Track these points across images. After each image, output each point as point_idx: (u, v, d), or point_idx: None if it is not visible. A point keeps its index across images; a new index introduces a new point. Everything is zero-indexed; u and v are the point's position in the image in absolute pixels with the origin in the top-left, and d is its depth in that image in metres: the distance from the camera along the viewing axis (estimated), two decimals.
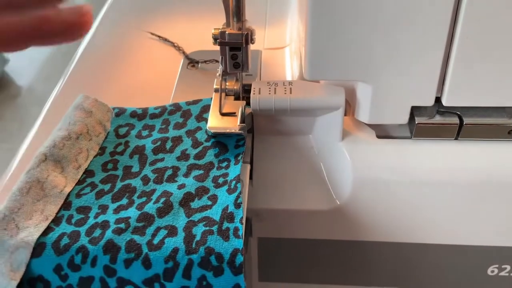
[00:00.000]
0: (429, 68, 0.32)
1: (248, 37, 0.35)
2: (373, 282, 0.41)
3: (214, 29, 0.36)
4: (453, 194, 0.35)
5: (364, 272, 0.40)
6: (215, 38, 0.36)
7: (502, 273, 0.39)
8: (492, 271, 0.39)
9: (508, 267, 0.38)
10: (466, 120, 0.34)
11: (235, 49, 0.36)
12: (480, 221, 0.36)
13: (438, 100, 0.34)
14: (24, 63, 0.88)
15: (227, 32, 0.35)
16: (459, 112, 0.35)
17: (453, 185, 0.35)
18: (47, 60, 0.87)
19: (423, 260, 0.39)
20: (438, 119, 0.35)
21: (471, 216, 0.36)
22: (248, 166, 0.34)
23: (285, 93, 0.35)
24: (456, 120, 0.34)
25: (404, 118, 0.35)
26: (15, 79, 0.83)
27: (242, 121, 0.36)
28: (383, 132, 0.37)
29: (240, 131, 0.34)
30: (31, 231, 0.29)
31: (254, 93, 0.35)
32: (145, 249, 0.28)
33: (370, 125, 0.37)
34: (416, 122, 0.34)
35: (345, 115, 0.37)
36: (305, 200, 0.37)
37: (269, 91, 0.35)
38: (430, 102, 0.34)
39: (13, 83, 0.82)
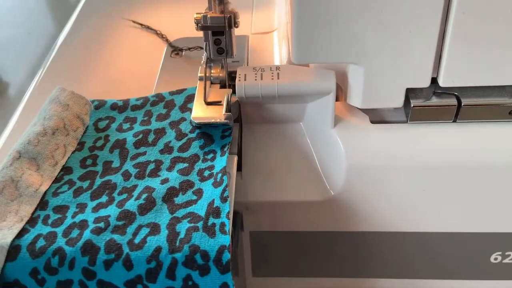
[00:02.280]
0: (424, 47, 0.30)
1: (231, 20, 0.33)
2: (372, 273, 0.39)
3: (197, 13, 0.34)
4: (453, 179, 0.33)
5: (362, 263, 0.39)
6: (197, 23, 0.34)
7: (506, 260, 0.37)
8: (496, 259, 0.37)
9: None
10: (465, 101, 0.32)
11: (218, 34, 0.34)
12: (481, 206, 0.35)
13: (434, 81, 0.33)
14: (10, 58, 0.86)
15: (208, 16, 0.33)
16: (456, 93, 0.33)
17: (453, 170, 0.33)
18: (35, 55, 0.85)
19: (423, 249, 0.37)
20: (434, 101, 0.33)
21: (472, 202, 0.34)
22: (235, 157, 0.33)
23: (272, 79, 0.33)
24: (454, 101, 0.32)
25: (399, 101, 0.33)
26: (1, 75, 0.80)
27: (228, 110, 0.34)
28: (377, 117, 0.35)
29: (226, 121, 0.32)
30: (5, 234, 0.27)
31: (239, 80, 0.33)
32: (126, 249, 0.27)
33: (363, 110, 0.35)
34: (412, 105, 0.32)
35: (336, 100, 0.35)
36: (298, 191, 0.35)
37: (255, 77, 0.33)
38: (426, 83, 0.32)
39: (0, 79, 0.79)
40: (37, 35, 0.90)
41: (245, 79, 0.33)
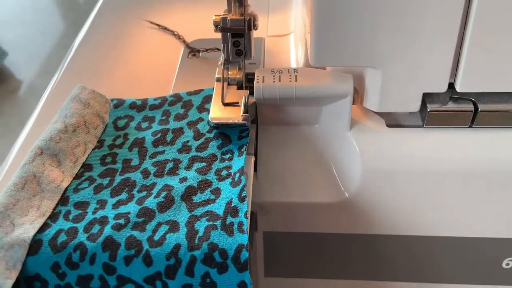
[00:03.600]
0: (442, 52, 0.31)
1: (250, 23, 0.34)
2: (384, 277, 0.39)
3: (215, 15, 0.35)
4: (468, 185, 0.34)
5: (374, 266, 0.39)
6: (216, 25, 0.35)
7: None
8: (507, 264, 0.37)
9: None
10: (481, 107, 0.32)
11: (237, 36, 0.34)
12: (495, 212, 0.35)
13: (451, 86, 0.33)
14: (24, 56, 0.87)
15: (228, 18, 0.34)
16: (473, 98, 0.33)
17: (468, 175, 0.33)
18: (47, 54, 0.86)
19: (435, 253, 0.37)
20: (451, 106, 0.33)
21: (486, 207, 0.34)
22: (252, 158, 0.33)
23: (290, 81, 0.33)
24: (470, 106, 0.33)
25: (416, 106, 0.33)
26: (15, 73, 0.81)
27: (246, 111, 0.34)
28: (393, 120, 0.35)
29: (244, 122, 0.33)
30: (26, 228, 0.28)
31: (257, 81, 0.33)
32: (145, 246, 0.27)
33: (379, 114, 0.35)
34: (428, 110, 0.33)
35: (353, 103, 0.35)
36: (312, 192, 0.36)
37: (274, 79, 0.34)
38: (443, 88, 0.32)
39: (12, 77, 0.80)
40: (49, 34, 0.92)
41: (263, 81, 0.33)
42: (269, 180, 0.36)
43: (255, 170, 0.36)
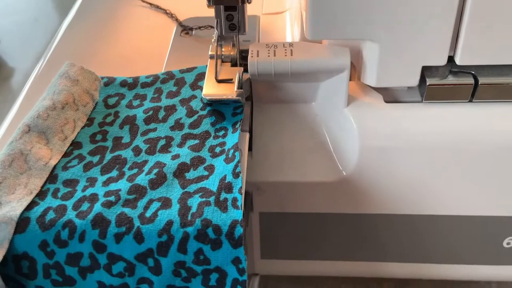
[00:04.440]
0: (442, 24, 0.30)
1: None
2: (382, 257, 0.39)
3: None
4: (468, 160, 0.33)
5: (372, 247, 0.38)
6: None
7: None
8: (508, 243, 0.37)
9: None
10: (482, 80, 0.32)
11: (230, 9, 0.33)
12: (496, 189, 0.34)
13: (451, 60, 0.32)
14: (17, 43, 0.85)
15: None
16: (473, 71, 0.32)
17: (468, 151, 0.32)
18: (40, 41, 0.85)
19: (434, 233, 0.37)
20: (451, 79, 0.32)
21: (486, 184, 0.34)
22: (247, 135, 0.32)
23: (286, 55, 0.32)
24: (470, 80, 0.32)
25: (415, 80, 0.32)
26: (7, 60, 0.80)
27: (240, 87, 0.33)
28: (391, 97, 0.34)
29: (238, 98, 0.32)
30: (13, 206, 0.27)
31: (252, 56, 0.33)
32: (137, 223, 0.26)
33: (377, 90, 0.34)
34: (428, 83, 0.32)
35: (350, 80, 0.34)
36: (309, 171, 0.35)
37: (268, 53, 0.33)
38: (442, 61, 0.31)
39: (5, 64, 0.79)
40: (43, 21, 0.90)
41: (258, 56, 0.32)
42: (265, 159, 0.35)
43: (250, 149, 0.35)
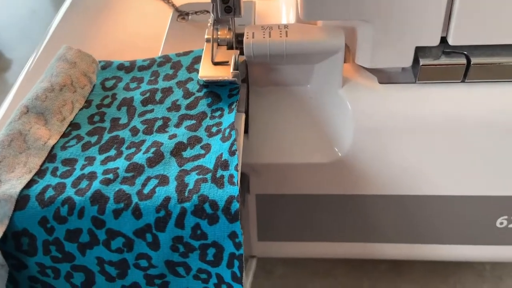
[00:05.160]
0: (434, 4, 0.30)
1: None
2: (377, 238, 0.39)
3: None
4: (461, 140, 0.33)
5: (367, 228, 0.39)
6: None
7: None
8: (501, 223, 0.37)
9: None
10: (474, 60, 0.32)
11: None
12: (489, 168, 0.35)
13: (443, 41, 0.32)
14: (14, 35, 0.86)
15: None
16: (466, 52, 0.33)
17: (461, 131, 0.33)
18: (37, 34, 0.85)
19: (429, 213, 0.37)
20: (444, 60, 0.32)
21: (480, 164, 0.34)
22: (243, 115, 0.32)
23: (281, 37, 0.33)
24: (463, 60, 0.32)
25: (408, 60, 0.33)
26: (5, 52, 0.80)
27: (236, 69, 0.34)
28: (385, 78, 0.35)
29: (234, 79, 0.32)
30: (13, 184, 0.27)
31: (247, 38, 0.33)
32: (135, 199, 0.27)
33: (372, 71, 0.35)
34: (421, 64, 0.32)
35: (344, 62, 0.35)
36: (305, 153, 0.35)
37: (264, 35, 0.33)
38: (435, 41, 0.32)
39: (2, 56, 0.79)
40: (41, 13, 0.90)
41: (253, 37, 0.33)
42: (261, 141, 0.36)
43: (247, 131, 0.36)
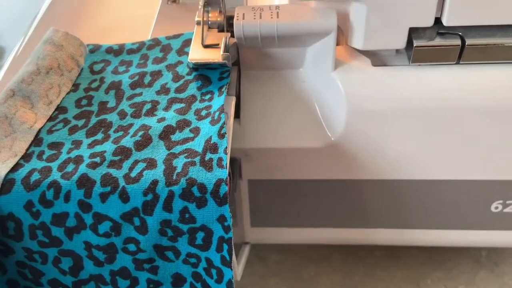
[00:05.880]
0: None
1: None
2: (371, 224, 0.39)
3: None
4: (455, 123, 0.33)
5: (361, 214, 0.38)
6: None
7: (507, 209, 0.37)
8: (496, 208, 0.37)
9: None
10: (469, 41, 0.31)
11: None
12: (482, 152, 0.34)
13: (438, 22, 0.32)
14: (7, 24, 0.84)
15: None
16: (460, 32, 0.32)
17: (455, 113, 0.32)
18: (31, 20, 0.84)
19: (423, 197, 0.37)
20: (438, 41, 0.32)
21: (474, 147, 0.34)
22: (233, 98, 0.32)
23: (272, 18, 0.32)
24: (458, 41, 0.32)
25: (402, 42, 0.32)
26: None
27: (226, 51, 0.33)
28: (379, 61, 0.34)
29: (224, 61, 0.32)
30: None
31: (237, 19, 0.32)
32: (122, 183, 0.26)
33: (365, 54, 0.34)
34: (414, 45, 0.32)
35: (337, 45, 0.34)
36: (297, 137, 0.35)
37: (254, 16, 0.32)
38: (429, 22, 0.31)
39: None
40: (35, 0, 0.89)
41: (243, 18, 0.32)
42: (253, 126, 0.35)
43: (238, 116, 0.35)
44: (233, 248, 0.27)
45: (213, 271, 0.28)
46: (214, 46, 0.34)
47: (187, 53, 0.35)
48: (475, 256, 0.45)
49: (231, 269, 0.27)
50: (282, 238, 0.41)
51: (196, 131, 0.29)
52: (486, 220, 0.38)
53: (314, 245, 0.46)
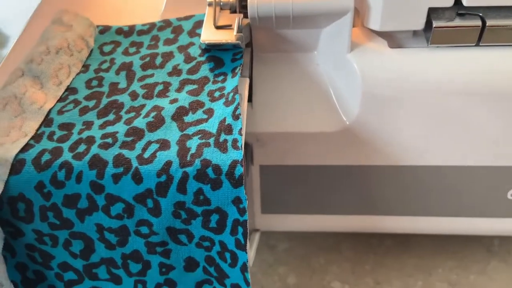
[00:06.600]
0: None
1: None
2: (385, 211, 0.38)
3: None
4: (475, 107, 0.32)
5: (376, 200, 0.38)
6: None
7: None
8: None
9: None
10: (489, 22, 0.31)
11: None
12: (502, 137, 0.33)
13: (457, 2, 0.31)
14: (11, 12, 0.83)
15: None
16: (481, 13, 0.31)
17: (474, 97, 0.32)
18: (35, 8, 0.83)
19: (438, 184, 0.36)
20: (458, 22, 0.31)
21: (492, 132, 0.33)
22: (247, 80, 0.31)
23: None
24: (478, 22, 0.31)
25: (421, 23, 0.31)
26: (2, 28, 0.78)
27: (239, 32, 0.32)
28: (396, 43, 0.33)
29: (237, 42, 0.31)
30: (8, 148, 0.26)
31: None
32: (135, 163, 0.26)
33: (382, 35, 0.33)
34: (434, 26, 0.31)
35: (353, 26, 0.33)
36: (311, 122, 0.34)
37: None
38: (449, 2, 0.30)
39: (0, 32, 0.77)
40: None
41: None
42: (266, 110, 0.35)
43: (250, 100, 0.35)
44: (248, 231, 0.26)
45: (227, 255, 0.27)
46: (227, 27, 0.33)
47: (198, 35, 0.34)
48: (487, 245, 0.44)
49: (246, 253, 0.26)
50: (293, 225, 0.40)
51: (210, 112, 0.28)
52: (502, 208, 0.37)
53: (323, 234, 0.45)
